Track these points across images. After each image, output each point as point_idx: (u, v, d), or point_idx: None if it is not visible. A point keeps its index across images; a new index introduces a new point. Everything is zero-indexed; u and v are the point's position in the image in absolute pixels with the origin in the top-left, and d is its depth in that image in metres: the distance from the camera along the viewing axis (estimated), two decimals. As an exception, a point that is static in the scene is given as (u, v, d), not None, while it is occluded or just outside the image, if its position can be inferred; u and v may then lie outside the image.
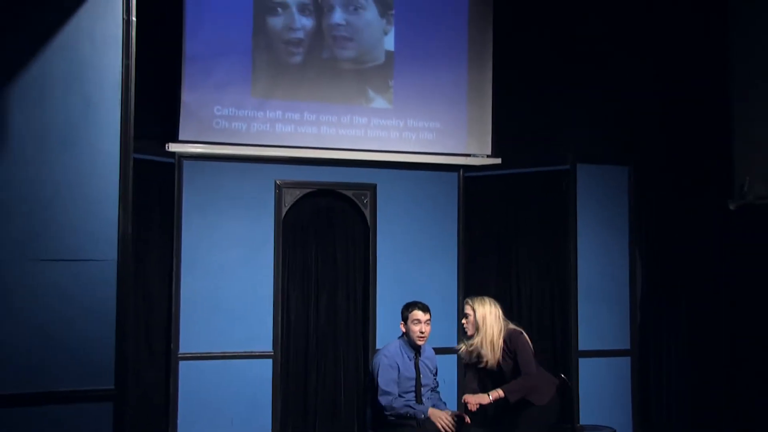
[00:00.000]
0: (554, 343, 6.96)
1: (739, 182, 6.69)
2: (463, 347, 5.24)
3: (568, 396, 5.59)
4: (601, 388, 6.75)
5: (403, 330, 5.27)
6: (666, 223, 7.11)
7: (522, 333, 5.16)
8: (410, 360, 5.19)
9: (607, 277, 6.87)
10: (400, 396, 5.13)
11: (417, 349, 5.26)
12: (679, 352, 7.02)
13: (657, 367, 7.03)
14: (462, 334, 5.38)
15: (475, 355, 5.12)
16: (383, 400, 5.06)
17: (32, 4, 3.80)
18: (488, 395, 4.97)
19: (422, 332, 5.20)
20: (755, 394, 6.67)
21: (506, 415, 5.11)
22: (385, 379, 5.09)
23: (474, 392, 5.07)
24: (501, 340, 5.06)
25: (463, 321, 5.21)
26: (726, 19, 7.05)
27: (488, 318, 5.08)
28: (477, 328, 5.09)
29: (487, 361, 5.07)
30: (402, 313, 5.32)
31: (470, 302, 5.20)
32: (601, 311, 6.81)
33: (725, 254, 6.96)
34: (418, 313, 5.22)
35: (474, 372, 5.19)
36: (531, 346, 5.14)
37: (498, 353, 5.05)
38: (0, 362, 3.64)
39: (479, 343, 5.06)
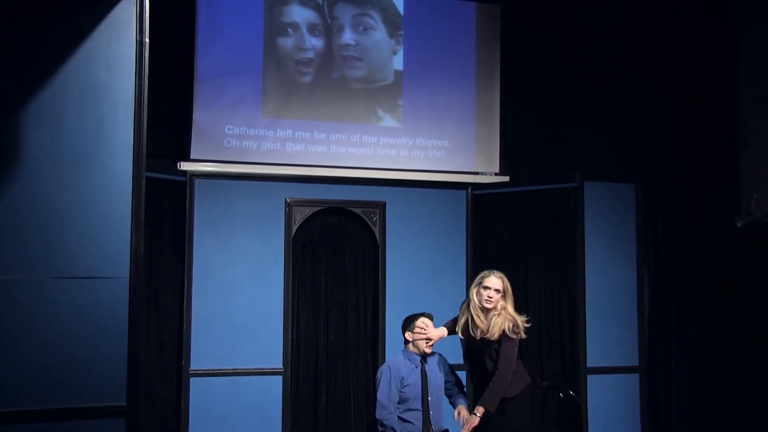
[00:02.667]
0: (563, 360, 6.97)
1: (746, 200, 6.71)
2: (463, 317, 5.08)
3: (576, 413, 5.57)
4: (610, 405, 6.74)
5: (410, 340, 5.29)
6: (673, 240, 7.13)
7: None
8: (417, 367, 5.22)
9: (615, 293, 6.88)
10: (405, 406, 5.17)
11: (423, 356, 5.29)
12: (689, 369, 7.02)
13: (666, 384, 7.02)
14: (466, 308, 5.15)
15: (477, 331, 4.95)
16: (378, 413, 5.15)
17: (48, 27, 3.85)
18: (476, 414, 4.82)
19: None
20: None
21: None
22: (383, 393, 5.16)
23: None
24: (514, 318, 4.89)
25: (488, 295, 4.90)
26: (735, 39, 7.10)
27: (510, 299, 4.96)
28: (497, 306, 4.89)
29: (483, 334, 4.91)
30: (408, 325, 5.31)
31: (501, 276, 4.95)
32: (609, 328, 6.82)
33: (733, 271, 6.97)
34: (426, 321, 5.27)
35: (463, 342, 5.09)
36: (516, 348, 4.91)
37: (498, 333, 4.86)
38: (13, 378, 3.67)
39: (494, 319, 4.85)
